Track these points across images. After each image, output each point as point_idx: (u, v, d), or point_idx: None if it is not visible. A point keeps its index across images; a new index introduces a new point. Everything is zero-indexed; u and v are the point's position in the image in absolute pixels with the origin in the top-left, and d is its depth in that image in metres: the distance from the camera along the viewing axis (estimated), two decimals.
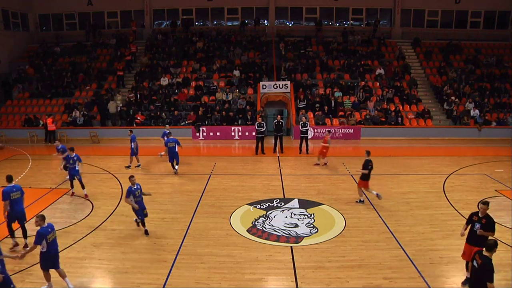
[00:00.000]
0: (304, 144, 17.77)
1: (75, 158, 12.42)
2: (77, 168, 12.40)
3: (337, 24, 29.61)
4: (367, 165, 11.50)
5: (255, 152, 17.82)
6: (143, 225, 9.87)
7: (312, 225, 10.25)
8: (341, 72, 25.18)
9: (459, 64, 26.10)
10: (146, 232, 9.77)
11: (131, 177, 9.84)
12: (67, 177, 12.84)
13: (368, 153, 11.76)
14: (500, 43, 27.81)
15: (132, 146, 15.38)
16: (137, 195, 9.71)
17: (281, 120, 17.87)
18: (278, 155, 17.61)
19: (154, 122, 22.26)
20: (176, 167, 14.76)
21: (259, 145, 17.77)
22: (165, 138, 15.48)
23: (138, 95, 23.54)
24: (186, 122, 21.95)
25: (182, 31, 28.72)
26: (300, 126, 17.85)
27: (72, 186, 12.63)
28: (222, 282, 7.79)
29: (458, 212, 11.06)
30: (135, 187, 9.74)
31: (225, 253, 8.90)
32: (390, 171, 15.17)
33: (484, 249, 6.37)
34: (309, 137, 19.74)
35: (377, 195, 11.55)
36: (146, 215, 9.94)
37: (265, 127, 17.86)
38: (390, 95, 23.30)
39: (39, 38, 29.38)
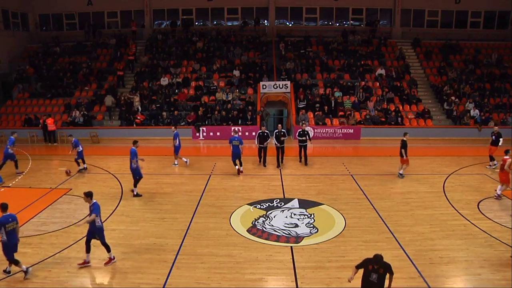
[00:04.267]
0: (303, 153, 16.09)
1: None
2: None
3: (337, 24, 29.64)
4: None
5: (259, 161, 16.13)
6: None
7: (312, 225, 10.25)
8: (341, 72, 25.17)
9: (459, 64, 26.10)
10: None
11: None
12: None
13: None
14: (500, 43, 27.81)
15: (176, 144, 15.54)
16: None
17: (282, 130, 15.66)
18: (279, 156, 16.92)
19: (154, 122, 22.27)
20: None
21: (262, 154, 15.90)
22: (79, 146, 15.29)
23: (138, 95, 23.54)
24: (187, 120, 21.98)
25: (182, 31, 28.72)
26: (297, 134, 16.21)
27: None
28: (222, 282, 7.79)
29: (458, 212, 11.06)
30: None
31: (225, 253, 8.90)
32: (390, 171, 15.17)
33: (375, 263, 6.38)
34: (310, 138, 19.07)
35: None
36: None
37: (268, 137, 15.53)
38: (390, 95, 23.30)
39: (39, 38, 29.37)
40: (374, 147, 19.82)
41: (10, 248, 7.79)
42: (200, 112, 22.00)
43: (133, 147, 12.47)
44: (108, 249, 8.37)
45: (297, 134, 16.19)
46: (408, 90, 23.80)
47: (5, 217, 7.77)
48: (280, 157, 15.72)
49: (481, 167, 15.67)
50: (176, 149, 15.68)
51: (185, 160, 15.85)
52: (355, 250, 8.94)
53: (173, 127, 16.17)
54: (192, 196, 12.52)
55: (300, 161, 16.24)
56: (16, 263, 7.83)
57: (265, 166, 15.75)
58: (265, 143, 15.45)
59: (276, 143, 15.57)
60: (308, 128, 21.03)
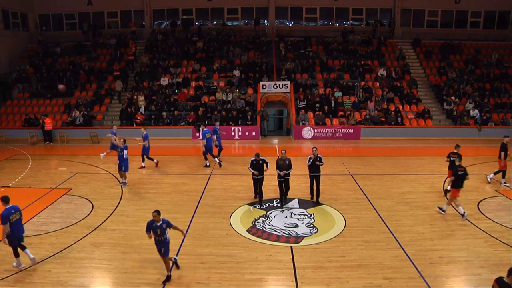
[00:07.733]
0: (314, 186, 12.01)
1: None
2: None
3: (337, 24, 29.65)
4: None
5: (254, 196, 12.29)
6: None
7: (312, 225, 10.25)
8: (341, 72, 25.18)
9: (459, 64, 26.09)
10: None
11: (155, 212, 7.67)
12: None
13: None
14: (500, 43, 27.82)
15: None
16: (158, 233, 7.56)
17: (286, 158, 11.69)
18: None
19: (154, 122, 22.26)
20: None
21: (257, 187, 12.00)
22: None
23: (143, 95, 23.51)
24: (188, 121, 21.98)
25: (182, 31, 28.73)
26: (307, 163, 11.78)
27: None
28: (222, 282, 7.79)
29: (458, 212, 11.04)
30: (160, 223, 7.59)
31: (225, 253, 8.90)
32: (390, 171, 15.17)
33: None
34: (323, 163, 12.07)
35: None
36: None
37: (264, 165, 11.70)
38: (390, 95, 23.30)
39: (39, 38, 29.37)
40: (374, 147, 19.82)
41: (15, 239, 8.10)
42: (200, 112, 21.99)
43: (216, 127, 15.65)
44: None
45: (307, 162, 11.79)
46: (408, 90, 23.80)
47: (8, 209, 8.03)
48: (284, 192, 11.86)
49: (481, 167, 15.68)
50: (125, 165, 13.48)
51: (125, 181, 13.60)
52: (355, 250, 8.94)
53: (122, 139, 13.70)
54: (192, 196, 12.52)
55: (312, 198, 12.20)
56: (17, 255, 8.16)
57: (261, 205, 11.71)
58: (261, 174, 11.68)
59: (278, 177, 11.69)
60: (307, 128, 21.18)
